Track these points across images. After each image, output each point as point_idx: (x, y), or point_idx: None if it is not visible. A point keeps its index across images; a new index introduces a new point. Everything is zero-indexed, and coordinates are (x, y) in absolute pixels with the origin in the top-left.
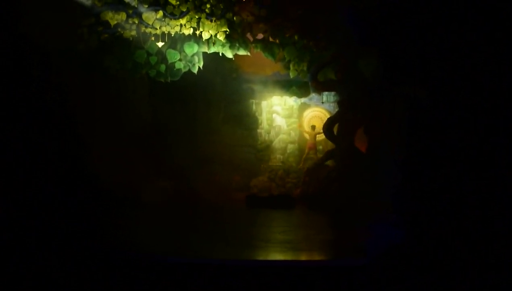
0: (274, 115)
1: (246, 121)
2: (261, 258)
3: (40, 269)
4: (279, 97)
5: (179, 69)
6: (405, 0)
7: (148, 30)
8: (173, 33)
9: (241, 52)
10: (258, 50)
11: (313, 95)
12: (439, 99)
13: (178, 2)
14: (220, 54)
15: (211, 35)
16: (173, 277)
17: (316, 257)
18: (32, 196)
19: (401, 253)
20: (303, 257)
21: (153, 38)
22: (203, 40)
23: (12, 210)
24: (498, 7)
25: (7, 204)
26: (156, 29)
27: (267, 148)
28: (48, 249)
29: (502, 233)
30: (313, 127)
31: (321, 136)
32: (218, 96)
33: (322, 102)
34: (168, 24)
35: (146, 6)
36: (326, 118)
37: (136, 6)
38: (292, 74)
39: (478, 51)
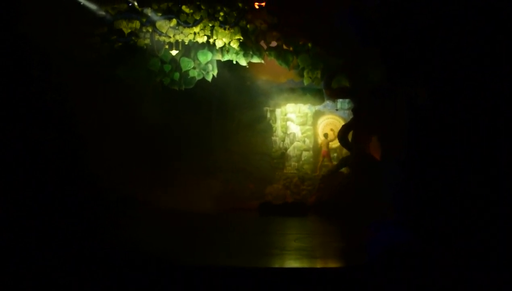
0: (288, 122)
1: (260, 129)
2: (276, 265)
3: (40, 269)
4: (293, 104)
5: (193, 77)
6: (406, 1)
7: (162, 38)
8: (187, 41)
9: (255, 60)
10: (272, 57)
11: (327, 102)
12: (440, 99)
13: (191, 11)
14: (234, 62)
15: (225, 43)
16: (185, 284)
17: (332, 264)
18: (32, 196)
19: (402, 252)
20: (319, 264)
21: (167, 46)
22: (217, 48)
23: (12, 210)
24: (498, 8)
25: (7, 204)
26: (170, 37)
27: (282, 155)
28: (48, 249)
29: (504, 232)
30: (326, 135)
31: (336, 144)
32: (232, 104)
33: (337, 110)
34: (182, 32)
35: (160, 14)
36: (341, 126)
37: (149, 14)
38: (306, 82)
39: (478, 51)
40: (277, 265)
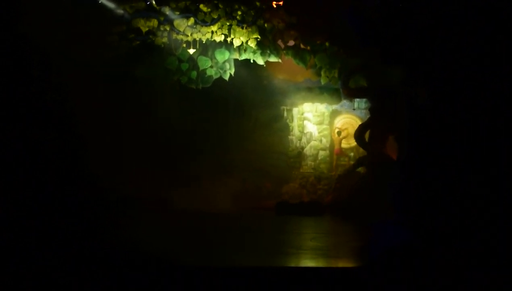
0: (305, 122)
1: (277, 128)
2: (292, 264)
3: (40, 269)
4: (310, 103)
5: (210, 76)
6: (406, 1)
7: (180, 37)
8: (204, 40)
9: (272, 59)
10: (289, 57)
11: (344, 102)
12: (440, 99)
13: (209, 9)
14: (251, 61)
15: (242, 42)
16: (197, 284)
17: (348, 264)
18: (32, 196)
19: (402, 252)
20: (335, 264)
21: (184, 45)
22: (234, 47)
23: (12, 210)
24: (498, 8)
25: (7, 204)
26: (188, 36)
27: (298, 154)
28: (48, 249)
29: (504, 232)
30: (339, 133)
31: (352, 143)
32: (249, 103)
33: (354, 109)
34: (199, 31)
35: (178, 13)
36: (358, 125)
37: (167, 13)
38: (323, 81)
39: (478, 51)
40: (293, 264)
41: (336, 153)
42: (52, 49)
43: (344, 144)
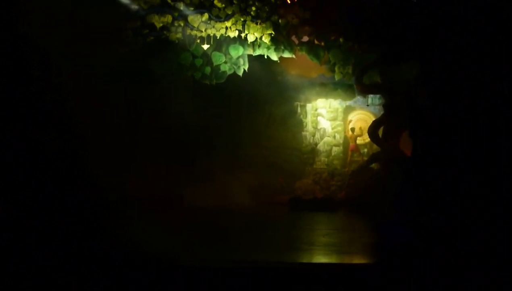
0: (319, 117)
1: (291, 124)
2: (305, 260)
3: (40, 269)
4: (324, 99)
5: (224, 72)
6: (406, 1)
7: (194, 32)
8: (218, 36)
9: (286, 54)
10: (303, 52)
11: (358, 98)
12: (440, 99)
13: (223, 5)
14: (265, 57)
15: (256, 38)
16: (210, 279)
17: (361, 260)
18: (32, 196)
19: (402, 252)
20: (348, 260)
21: (198, 41)
22: (248, 42)
23: (12, 210)
24: (498, 8)
25: (7, 204)
26: (202, 31)
27: (312, 150)
28: (48, 249)
29: (504, 232)
30: (353, 129)
31: (366, 139)
32: (262, 98)
33: (368, 105)
34: (213, 26)
35: (192, 8)
36: (371, 121)
37: (181, 8)
38: (337, 77)
39: (478, 51)
40: (305, 260)
41: (351, 149)
42: (52, 49)
43: (358, 141)
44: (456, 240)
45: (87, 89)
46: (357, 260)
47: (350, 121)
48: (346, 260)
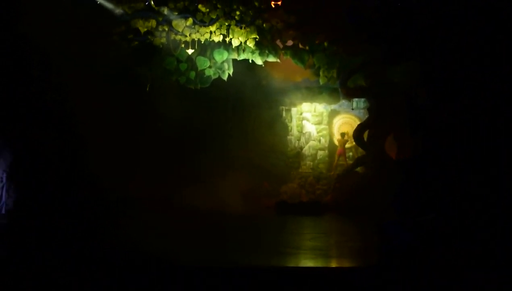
0: (304, 121)
1: (276, 128)
2: (291, 264)
3: (40, 269)
4: (309, 103)
5: (209, 76)
6: (406, 1)
7: (178, 37)
8: (203, 40)
9: (271, 59)
10: (288, 56)
11: (343, 101)
12: (440, 99)
13: (208, 9)
14: (250, 61)
15: (241, 42)
16: (197, 284)
17: (346, 264)
18: (32, 196)
19: (402, 252)
20: (334, 264)
21: (183, 45)
22: (233, 47)
23: (12, 209)
24: (498, 8)
25: (7, 204)
26: (186, 36)
27: (297, 154)
28: (48, 249)
29: (504, 232)
30: (343, 134)
31: (351, 143)
32: (248, 103)
33: (352, 109)
34: (198, 31)
35: (176, 13)
36: (356, 125)
37: (166, 13)
38: (322, 81)
39: (478, 51)
40: (292, 264)
41: (339, 153)
42: (52, 49)
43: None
44: (456, 240)
45: (87, 90)
46: (344, 264)
47: (340, 125)
48: (333, 264)
